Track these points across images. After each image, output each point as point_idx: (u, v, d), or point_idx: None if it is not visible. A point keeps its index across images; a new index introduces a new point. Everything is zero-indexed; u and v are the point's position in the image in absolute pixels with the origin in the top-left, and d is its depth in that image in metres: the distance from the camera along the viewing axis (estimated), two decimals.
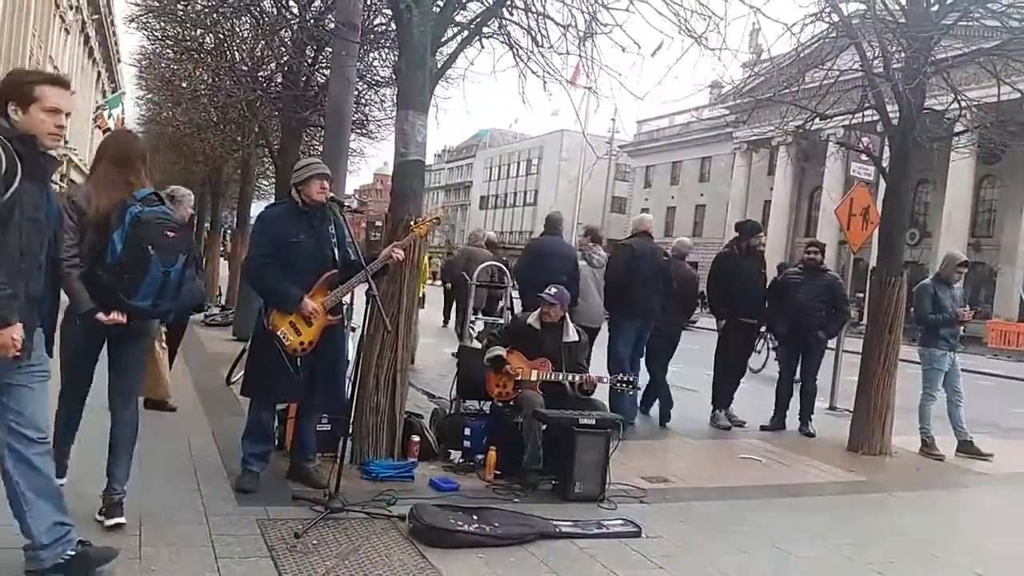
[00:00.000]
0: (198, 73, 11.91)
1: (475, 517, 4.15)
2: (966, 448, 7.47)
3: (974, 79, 8.60)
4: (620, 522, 4.46)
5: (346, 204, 4.93)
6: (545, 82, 6.13)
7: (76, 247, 3.43)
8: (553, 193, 68.20)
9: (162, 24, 11.29)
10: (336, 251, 4.63)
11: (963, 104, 7.51)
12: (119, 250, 3.39)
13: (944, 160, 27.47)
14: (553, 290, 5.63)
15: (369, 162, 51.42)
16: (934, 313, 7.41)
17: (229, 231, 21.27)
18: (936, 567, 4.37)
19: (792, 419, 7.98)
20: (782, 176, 44.63)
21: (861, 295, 23.61)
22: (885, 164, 7.80)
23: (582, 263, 7.65)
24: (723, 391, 8.04)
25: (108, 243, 3.39)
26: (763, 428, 7.87)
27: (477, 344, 6.48)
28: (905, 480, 6.53)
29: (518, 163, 78.63)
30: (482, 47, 6.04)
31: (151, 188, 3.68)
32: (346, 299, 4.78)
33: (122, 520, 3.68)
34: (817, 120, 8.21)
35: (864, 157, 9.46)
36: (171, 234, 3.54)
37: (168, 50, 12.40)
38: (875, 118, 7.91)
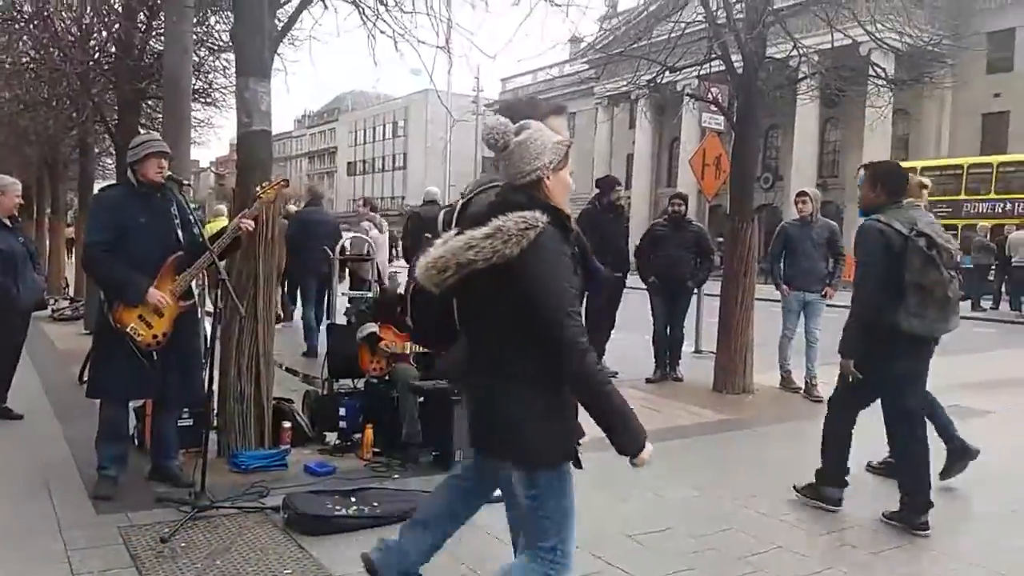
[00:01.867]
0: (18, 46, 10.84)
1: (353, 499, 4.06)
2: (784, 382, 7.74)
3: (813, 26, 9.00)
4: None
5: (186, 183, 4.63)
6: (396, 42, 5.95)
7: None
8: (422, 155, 67.44)
9: None
10: (181, 233, 4.35)
11: (801, 52, 7.87)
12: None
13: (791, 106, 28.94)
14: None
15: (219, 133, 48.93)
16: (783, 252, 7.60)
17: (73, 216, 19.81)
18: (792, 495, 4.62)
19: None
20: (642, 129, 45.78)
21: (721, 240, 24.61)
22: (734, 114, 8.08)
23: (375, 231, 9.60)
24: (593, 345, 8.20)
25: None
26: (648, 381, 8.03)
27: (344, 320, 6.32)
28: (766, 416, 6.90)
29: (383, 126, 77.12)
30: (326, 7, 5.78)
31: None
32: (196, 283, 4.51)
33: None
34: (668, 73, 8.41)
35: (713, 108, 9.79)
36: None
37: None
38: (723, 68, 8.18)
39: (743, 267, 7.54)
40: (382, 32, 5.82)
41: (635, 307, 8.81)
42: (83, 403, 6.04)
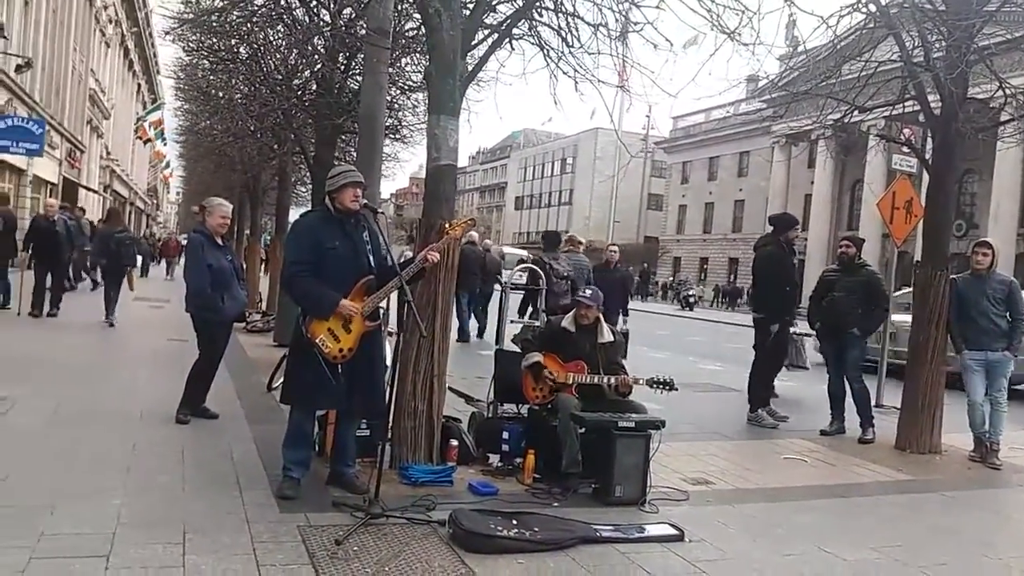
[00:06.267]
0: (233, 83, 12.05)
1: (514, 522, 4.13)
2: (979, 453, 6.88)
3: (1020, 65, 8.35)
4: (662, 526, 4.41)
5: (380, 211, 4.93)
6: (576, 82, 6.10)
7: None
8: (588, 192, 68.04)
9: (197, 35, 11.44)
10: (371, 257, 4.65)
11: (1008, 92, 7.30)
12: (111, 247, 12.37)
13: (991, 149, 26.72)
14: (588, 292, 5.61)
15: (403, 166, 51.91)
16: (958, 311, 6.94)
17: (269, 238, 21.55)
18: (987, 568, 4.24)
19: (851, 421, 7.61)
20: (822, 169, 43.92)
21: (907, 289, 22.96)
22: (928, 155, 7.59)
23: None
24: (762, 389, 7.89)
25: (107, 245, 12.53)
26: (823, 433, 7.51)
27: (514, 347, 6.46)
28: (954, 479, 6.33)
29: (552, 163, 78.59)
30: (512, 49, 6.03)
31: (122, 227, 13.38)
32: (383, 304, 4.80)
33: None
34: (856, 112, 8.05)
35: (906, 149, 9.24)
36: (128, 241, 12.78)
37: (204, 61, 12.57)
38: (917, 108, 7.73)
39: (934, 317, 7.00)
40: (564, 73, 6.00)
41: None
42: (271, 408, 6.61)
